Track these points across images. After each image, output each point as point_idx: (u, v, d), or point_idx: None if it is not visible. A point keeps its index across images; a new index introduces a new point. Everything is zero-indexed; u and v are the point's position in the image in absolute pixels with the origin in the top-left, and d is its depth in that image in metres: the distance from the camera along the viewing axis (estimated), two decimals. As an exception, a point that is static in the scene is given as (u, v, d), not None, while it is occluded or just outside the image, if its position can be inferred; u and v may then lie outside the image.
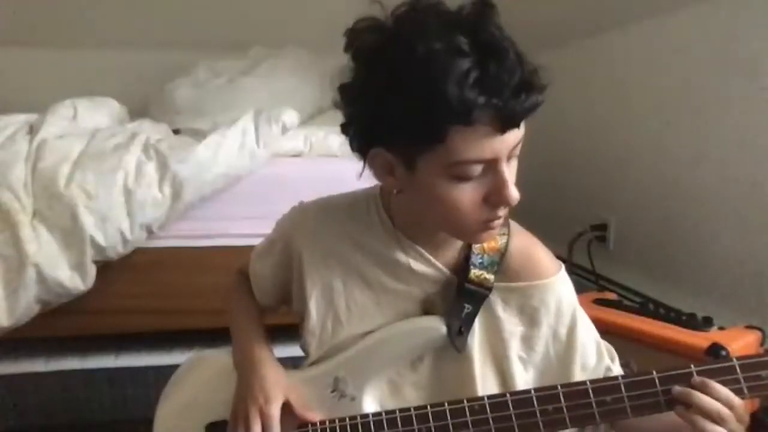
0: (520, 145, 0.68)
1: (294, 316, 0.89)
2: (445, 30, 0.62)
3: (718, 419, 0.66)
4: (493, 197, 0.68)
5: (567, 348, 0.81)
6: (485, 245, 0.80)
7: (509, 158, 0.68)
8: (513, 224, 0.84)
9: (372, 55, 0.67)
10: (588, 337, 0.83)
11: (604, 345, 0.85)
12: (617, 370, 0.84)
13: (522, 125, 0.66)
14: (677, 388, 0.69)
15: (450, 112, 0.61)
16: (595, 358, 0.83)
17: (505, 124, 0.63)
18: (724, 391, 0.67)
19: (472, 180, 0.67)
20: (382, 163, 0.71)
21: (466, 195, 0.68)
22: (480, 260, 0.79)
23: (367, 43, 0.67)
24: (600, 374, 0.82)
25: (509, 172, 0.68)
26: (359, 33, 0.67)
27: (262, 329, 0.89)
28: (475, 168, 0.66)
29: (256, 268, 0.92)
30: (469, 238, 0.77)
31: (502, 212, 0.70)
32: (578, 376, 0.80)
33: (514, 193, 0.67)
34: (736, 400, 0.67)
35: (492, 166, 0.66)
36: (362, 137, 0.71)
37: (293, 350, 0.93)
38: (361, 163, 0.74)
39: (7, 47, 2.35)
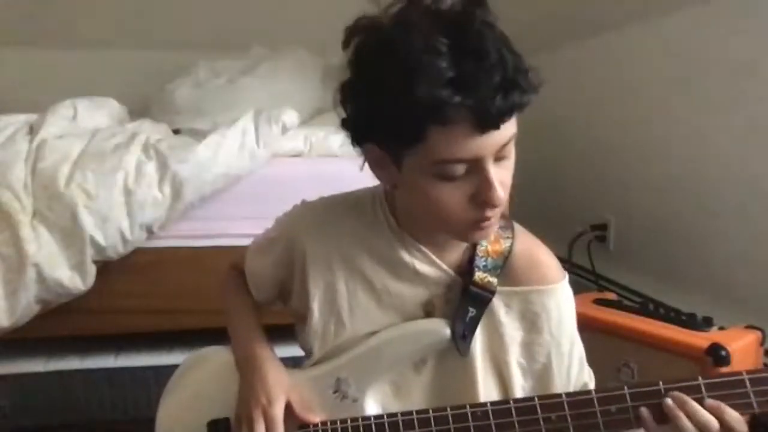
0: (511, 146, 0.68)
1: (289, 314, 0.89)
2: (430, 29, 0.62)
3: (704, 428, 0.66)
4: (479, 198, 0.67)
5: (569, 363, 0.81)
6: (489, 248, 0.80)
7: (499, 158, 0.67)
8: (517, 227, 0.84)
9: (358, 54, 0.68)
10: (581, 350, 0.83)
11: (587, 369, 0.85)
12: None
13: (511, 125, 0.65)
14: (675, 393, 0.69)
15: (425, 112, 0.61)
16: (577, 370, 0.83)
17: (482, 124, 0.63)
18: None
19: (457, 179, 0.67)
20: (375, 159, 0.72)
21: (451, 194, 0.68)
22: (484, 263, 0.79)
23: (357, 42, 0.68)
24: (578, 386, 0.82)
25: (498, 172, 0.67)
26: (353, 31, 0.68)
27: (259, 325, 0.89)
28: (458, 167, 0.66)
29: (253, 265, 0.92)
30: (461, 237, 0.76)
31: (491, 213, 0.69)
32: (566, 388, 0.80)
33: (499, 195, 0.67)
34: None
35: (477, 165, 0.66)
36: (356, 134, 0.72)
37: (293, 350, 0.93)
38: (361, 160, 0.75)
39: (7, 47, 2.35)
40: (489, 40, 0.62)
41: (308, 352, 0.86)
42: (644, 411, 0.69)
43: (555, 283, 0.80)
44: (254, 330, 0.88)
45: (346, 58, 0.69)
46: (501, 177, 0.68)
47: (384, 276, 0.80)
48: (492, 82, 0.61)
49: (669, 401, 0.68)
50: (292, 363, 0.87)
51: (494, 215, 0.70)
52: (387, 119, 0.65)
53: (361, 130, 0.71)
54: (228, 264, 1.00)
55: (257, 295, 0.93)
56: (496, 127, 0.63)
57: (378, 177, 0.76)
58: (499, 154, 0.67)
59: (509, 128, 0.65)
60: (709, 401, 0.67)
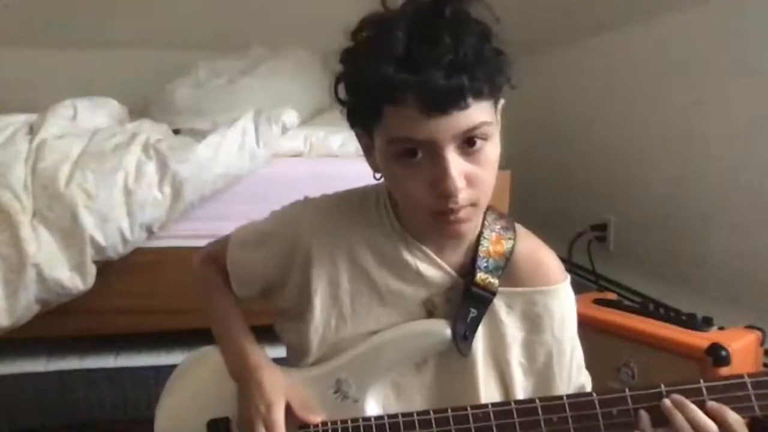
0: (484, 139, 0.66)
1: (275, 310, 0.88)
2: (403, 19, 0.65)
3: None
4: (437, 187, 0.67)
5: (569, 364, 0.81)
6: (491, 248, 0.79)
7: (468, 151, 0.66)
8: (519, 228, 0.83)
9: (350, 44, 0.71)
10: (580, 352, 0.84)
11: (585, 371, 0.85)
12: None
13: (474, 112, 0.64)
14: (674, 395, 0.68)
15: (374, 89, 0.64)
16: (576, 371, 0.83)
17: (429, 105, 0.63)
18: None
19: (417, 164, 0.67)
20: (364, 145, 0.76)
21: (412, 178, 0.68)
22: (485, 264, 0.78)
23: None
24: (576, 387, 0.82)
25: (464, 164, 0.66)
26: (361, 23, 0.70)
27: (247, 329, 0.88)
28: (414, 149, 0.66)
29: (240, 257, 0.89)
30: (434, 230, 0.73)
31: (454, 205, 0.67)
32: (566, 389, 0.81)
33: (455, 185, 0.65)
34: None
35: (434, 151, 0.65)
36: (347, 119, 0.74)
37: (293, 350, 0.93)
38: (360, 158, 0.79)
39: (7, 47, 2.35)
40: (451, 26, 0.63)
41: (298, 349, 0.85)
42: (643, 413, 0.69)
43: (557, 284, 0.80)
44: (242, 336, 0.86)
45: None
46: (468, 170, 0.67)
47: (386, 276, 0.80)
48: (439, 64, 0.62)
49: (667, 402, 0.68)
50: (288, 363, 0.87)
51: (460, 209, 0.68)
52: (351, 100, 0.70)
53: (347, 115, 0.73)
54: (198, 257, 0.97)
55: (239, 290, 0.90)
56: (442, 109, 0.63)
57: (369, 164, 0.77)
58: (467, 145, 0.66)
59: (468, 115, 0.64)
60: (711, 403, 0.67)
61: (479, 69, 0.63)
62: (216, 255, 0.93)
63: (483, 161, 0.68)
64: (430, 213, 0.70)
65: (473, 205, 0.69)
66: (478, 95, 0.64)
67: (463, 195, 0.67)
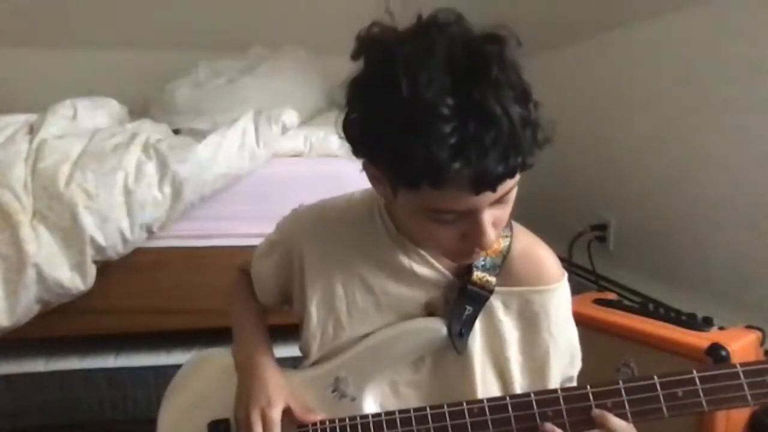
0: (511, 193, 0.67)
1: (295, 316, 0.89)
2: (440, 79, 0.58)
3: None
4: (469, 238, 0.68)
5: (564, 360, 0.82)
6: None
7: (496, 204, 0.66)
8: (516, 226, 0.83)
9: (365, 77, 0.64)
10: (577, 347, 0.84)
11: (577, 364, 0.86)
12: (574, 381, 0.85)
13: (512, 180, 0.63)
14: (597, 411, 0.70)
15: (420, 170, 0.59)
16: (569, 365, 0.84)
17: (479, 188, 0.61)
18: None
19: (450, 220, 0.66)
20: (371, 173, 0.70)
21: (442, 233, 0.68)
22: (482, 262, 0.79)
23: (366, 59, 0.64)
24: (564, 377, 0.83)
25: (493, 212, 0.66)
26: (365, 42, 0.65)
27: (264, 331, 0.90)
28: (450, 215, 0.65)
29: (257, 269, 0.92)
30: (450, 259, 0.77)
31: (481, 250, 0.70)
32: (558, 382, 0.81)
33: (489, 240, 0.66)
34: None
35: (470, 212, 0.65)
36: (352, 146, 0.69)
37: (293, 350, 0.93)
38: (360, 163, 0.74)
39: (7, 47, 2.35)
40: (499, 95, 0.58)
41: (304, 354, 0.86)
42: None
43: (555, 282, 0.80)
44: (257, 335, 0.88)
45: (352, 74, 0.65)
46: (496, 216, 0.67)
47: (383, 279, 0.80)
48: (494, 151, 0.58)
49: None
50: (292, 363, 0.87)
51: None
52: (383, 158, 0.63)
53: (359, 148, 0.67)
54: (237, 266, 1.01)
55: (262, 298, 0.93)
56: (493, 190, 0.62)
57: (375, 189, 0.75)
58: (498, 201, 0.66)
59: (509, 184, 0.64)
60: (595, 411, 0.70)
61: (527, 146, 0.61)
62: (247, 264, 0.96)
63: (507, 207, 0.69)
64: (455, 253, 0.72)
65: None
66: (525, 169, 0.64)
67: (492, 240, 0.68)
